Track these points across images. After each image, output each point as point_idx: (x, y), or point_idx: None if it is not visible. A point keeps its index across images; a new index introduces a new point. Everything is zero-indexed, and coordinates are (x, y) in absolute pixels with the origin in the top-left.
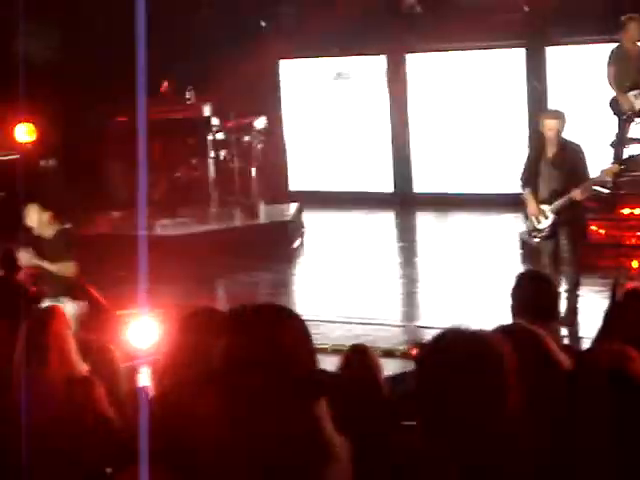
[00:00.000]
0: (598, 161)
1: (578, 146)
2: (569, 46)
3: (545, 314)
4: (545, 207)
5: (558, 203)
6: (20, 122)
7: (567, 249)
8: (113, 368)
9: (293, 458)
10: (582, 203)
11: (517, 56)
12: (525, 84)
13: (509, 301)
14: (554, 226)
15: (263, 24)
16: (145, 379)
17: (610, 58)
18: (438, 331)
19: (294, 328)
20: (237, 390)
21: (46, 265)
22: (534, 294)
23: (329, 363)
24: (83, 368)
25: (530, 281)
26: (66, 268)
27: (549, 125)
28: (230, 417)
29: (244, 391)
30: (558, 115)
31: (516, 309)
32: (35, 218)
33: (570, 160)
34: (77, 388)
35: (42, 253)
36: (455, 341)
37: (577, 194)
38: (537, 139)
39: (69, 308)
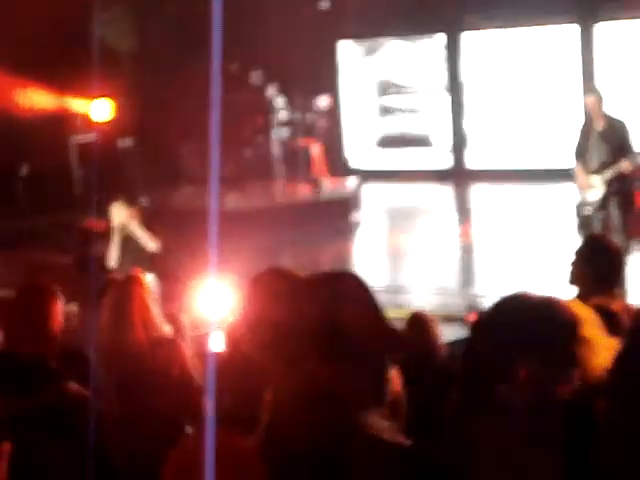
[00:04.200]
0: None
1: (622, 121)
2: (619, 21)
3: (606, 282)
4: (595, 179)
5: (607, 175)
6: (97, 98)
7: (617, 219)
8: (181, 336)
9: (357, 428)
10: (631, 174)
11: (570, 32)
12: (580, 59)
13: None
14: (604, 197)
15: (323, 6)
16: (217, 345)
17: None
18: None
19: (359, 298)
20: (304, 354)
21: (135, 229)
22: (594, 262)
23: None
24: (167, 331)
25: (590, 250)
26: (151, 241)
27: (585, 102)
28: (298, 383)
29: (311, 355)
30: (592, 91)
31: (574, 277)
32: (122, 214)
33: (617, 133)
34: (162, 348)
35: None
36: (518, 305)
37: (625, 166)
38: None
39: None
